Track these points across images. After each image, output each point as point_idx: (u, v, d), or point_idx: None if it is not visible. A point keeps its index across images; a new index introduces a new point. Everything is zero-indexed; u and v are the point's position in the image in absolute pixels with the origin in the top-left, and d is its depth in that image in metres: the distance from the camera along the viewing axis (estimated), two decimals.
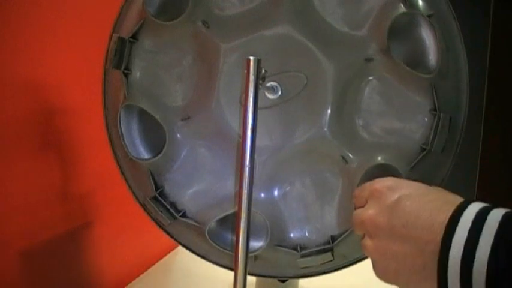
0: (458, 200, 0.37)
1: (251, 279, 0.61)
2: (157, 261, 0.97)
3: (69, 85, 0.71)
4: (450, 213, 0.35)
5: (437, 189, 0.40)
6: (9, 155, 0.62)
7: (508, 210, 0.33)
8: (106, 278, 0.82)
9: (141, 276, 0.92)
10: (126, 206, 0.65)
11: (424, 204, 0.37)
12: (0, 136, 0.60)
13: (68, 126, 0.72)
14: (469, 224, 0.33)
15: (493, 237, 0.31)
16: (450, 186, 0.56)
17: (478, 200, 0.36)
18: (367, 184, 0.44)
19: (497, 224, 0.32)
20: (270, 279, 0.67)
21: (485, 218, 0.32)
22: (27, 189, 0.65)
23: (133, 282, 0.89)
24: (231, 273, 0.50)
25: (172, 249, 1.01)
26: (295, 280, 0.71)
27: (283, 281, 0.68)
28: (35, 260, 0.66)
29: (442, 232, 0.34)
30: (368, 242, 0.41)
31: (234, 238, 0.60)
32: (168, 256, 1.00)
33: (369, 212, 0.41)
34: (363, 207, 0.43)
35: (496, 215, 0.33)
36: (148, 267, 0.95)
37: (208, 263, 0.63)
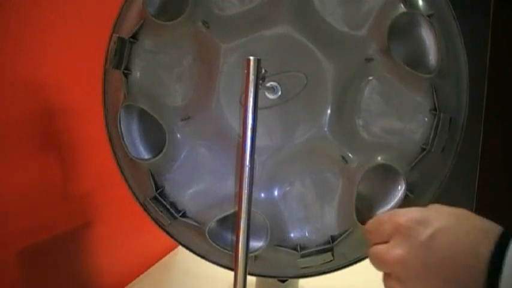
0: (492, 227, 0.34)
1: (251, 279, 0.61)
2: (157, 261, 0.97)
3: (69, 85, 0.71)
4: (491, 247, 0.32)
5: (466, 214, 0.37)
6: (9, 155, 0.62)
7: None
8: (106, 278, 0.82)
9: (141, 276, 0.92)
10: (126, 206, 0.65)
11: (462, 238, 0.34)
12: (0, 136, 0.60)
13: (68, 126, 0.72)
14: None
15: None
16: (450, 186, 0.56)
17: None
18: (386, 217, 0.39)
19: None
20: (270, 279, 0.67)
21: None
22: (27, 189, 0.65)
23: (133, 282, 0.89)
24: (231, 273, 0.50)
25: (172, 249, 1.01)
26: (295, 280, 0.71)
27: (283, 281, 0.68)
28: (35, 260, 0.66)
29: (487, 269, 0.32)
30: (396, 285, 0.37)
31: (234, 238, 0.60)
32: (168, 256, 1.00)
33: (398, 251, 0.36)
34: (384, 242, 0.38)
35: None
36: (148, 267, 0.95)
37: (208, 263, 0.63)
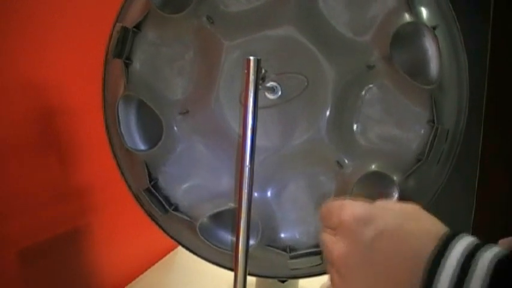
0: (439, 229, 0.34)
1: (251, 279, 0.61)
2: (157, 261, 0.97)
3: (69, 85, 0.71)
4: (431, 253, 0.31)
5: (415, 213, 0.36)
6: (9, 155, 0.62)
7: (497, 252, 0.29)
8: (106, 278, 0.82)
9: (141, 276, 0.92)
10: (126, 206, 0.65)
11: (405, 240, 0.33)
12: (0, 136, 0.60)
13: (68, 126, 0.72)
14: (453, 273, 0.30)
15: None
16: (450, 187, 0.56)
17: (462, 229, 0.33)
18: (336, 207, 0.38)
19: (487, 278, 0.28)
20: (269, 279, 0.67)
21: (470, 267, 0.29)
22: (27, 189, 0.65)
23: (133, 282, 0.89)
24: (231, 273, 0.50)
25: (172, 249, 1.01)
26: (295, 280, 0.71)
27: (283, 281, 0.68)
28: (35, 260, 0.66)
29: (426, 274, 0.31)
30: (337, 279, 0.36)
31: (229, 236, 0.60)
32: (168, 256, 1.00)
33: (341, 248, 0.36)
34: (331, 229, 0.38)
35: (483, 263, 0.29)
36: (148, 267, 0.95)
37: (208, 263, 0.63)
